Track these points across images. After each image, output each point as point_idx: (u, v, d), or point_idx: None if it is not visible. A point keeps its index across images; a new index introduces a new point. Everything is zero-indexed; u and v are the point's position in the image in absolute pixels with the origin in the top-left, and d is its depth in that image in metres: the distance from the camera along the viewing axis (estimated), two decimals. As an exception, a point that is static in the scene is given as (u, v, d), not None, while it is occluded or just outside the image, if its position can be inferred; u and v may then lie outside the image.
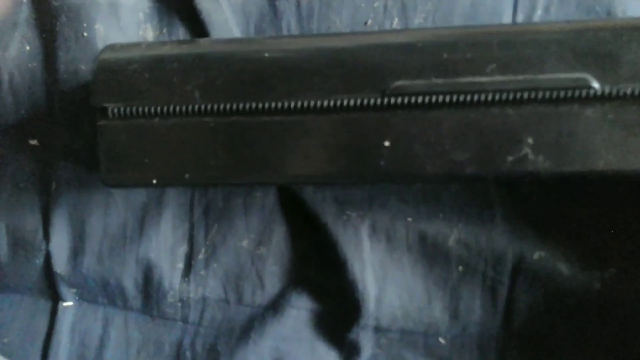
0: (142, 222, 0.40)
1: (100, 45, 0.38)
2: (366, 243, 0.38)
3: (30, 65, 0.39)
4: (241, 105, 0.30)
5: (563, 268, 0.36)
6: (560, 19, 0.35)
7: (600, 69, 0.27)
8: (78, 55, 0.38)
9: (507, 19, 0.36)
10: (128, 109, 0.31)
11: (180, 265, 0.40)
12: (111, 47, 0.32)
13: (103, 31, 0.38)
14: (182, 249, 0.41)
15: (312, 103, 0.29)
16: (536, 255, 0.36)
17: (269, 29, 0.38)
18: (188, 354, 0.41)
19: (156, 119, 0.31)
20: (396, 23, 0.37)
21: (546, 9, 0.35)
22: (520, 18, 0.36)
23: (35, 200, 0.41)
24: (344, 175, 0.30)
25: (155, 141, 0.31)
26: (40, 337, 0.42)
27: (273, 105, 0.29)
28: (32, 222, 0.41)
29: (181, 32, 0.39)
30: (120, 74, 0.31)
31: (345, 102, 0.29)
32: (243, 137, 0.30)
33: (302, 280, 0.40)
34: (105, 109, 0.31)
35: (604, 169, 0.27)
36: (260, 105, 0.30)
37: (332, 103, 0.29)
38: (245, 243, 0.40)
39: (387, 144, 0.29)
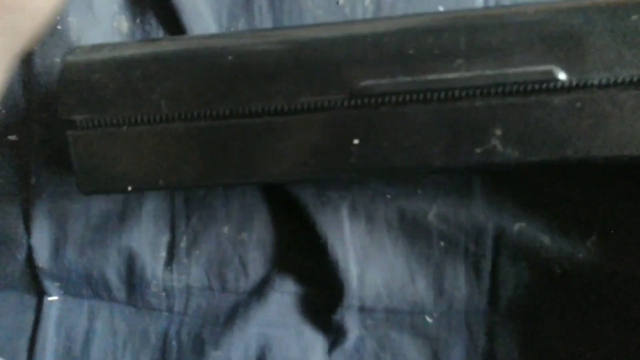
0: (124, 212, 0.40)
1: (74, 37, 0.38)
2: (346, 223, 0.38)
3: (6, 60, 0.40)
4: (208, 111, 0.30)
5: (545, 239, 0.36)
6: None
7: (567, 59, 0.27)
8: (53, 49, 0.39)
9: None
10: (96, 120, 0.31)
11: (163, 254, 0.40)
12: (72, 55, 0.32)
13: (76, 23, 0.38)
14: (164, 238, 0.40)
15: (278, 105, 0.29)
16: (517, 227, 0.36)
17: (241, 12, 0.38)
18: (174, 343, 0.41)
19: (125, 127, 0.31)
20: (368, 2, 0.37)
21: None
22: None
23: (15, 195, 0.41)
24: (314, 173, 0.30)
25: (126, 149, 0.31)
26: (27, 333, 0.42)
27: (240, 109, 0.30)
28: (12, 217, 0.41)
29: (154, 22, 0.39)
30: (84, 84, 0.31)
31: (312, 104, 0.29)
32: (213, 142, 0.30)
33: (285, 264, 0.40)
34: (73, 120, 0.31)
35: (572, 156, 0.28)
36: (227, 110, 0.30)
37: (298, 105, 0.29)
38: (226, 229, 0.40)
39: (356, 141, 0.29)
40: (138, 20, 0.39)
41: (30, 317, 0.42)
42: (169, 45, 0.32)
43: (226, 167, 0.31)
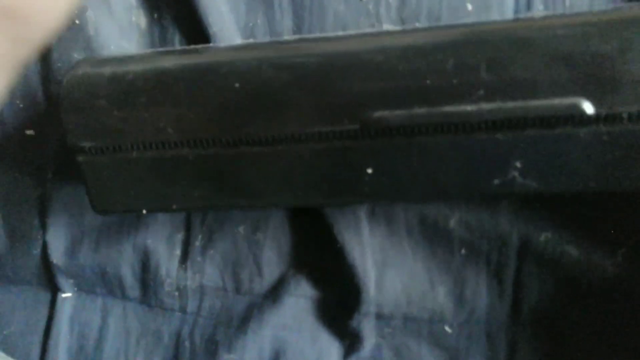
0: None
1: (92, 32, 0.38)
2: (365, 226, 0.36)
3: (24, 54, 0.39)
4: (217, 139, 0.29)
5: (572, 250, 0.34)
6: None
7: (596, 89, 0.25)
8: (71, 43, 0.38)
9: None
10: (104, 147, 0.30)
11: (178, 252, 0.40)
12: (73, 76, 0.30)
13: (94, 18, 0.38)
14: (180, 236, 0.40)
15: (288, 133, 0.28)
16: (543, 237, 0.35)
17: (260, 6, 0.36)
18: (187, 344, 0.40)
19: (134, 154, 0.30)
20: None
21: None
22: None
23: (31, 190, 0.40)
24: (326, 200, 0.30)
25: (137, 174, 0.30)
26: (40, 329, 0.42)
27: (249, 137, 0.29)
28: (28, 212, 0.41)
29: (171, 16, 0.38)
30: (88, 112, 0.30)
31: (323, 133, 0.28)
32: (223, 168, 0.29)
33: (300, 266, 0.39)
34: (81, 146, 0.30)
35: (596, 188, 0.26)
36: (236, 138, 0.29)
37: (309, 133, 0.28)
38: (241, 229, 0.39)
39: (369, 171, 0.28)
40: (155, 15, 0.39)
41: (43, 313, 0.42)
42: (173, 67, 0.30)
43: (238, 193, 0.30)
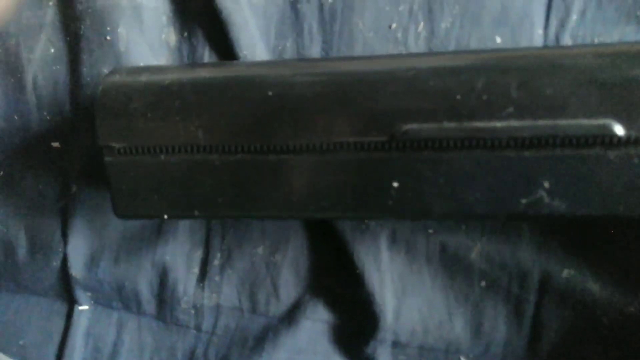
0: (161, 225, 0.40)
1: (122, 49, 0.38)
2: (385, 253, 0.36)
3: (54, 67, 0.40)
4: (246, 145, 0.29)
5: (594, 288, 0.34)
6: (597, 24, 0.33)
7: (627, 112, 0.25)
8: (101, 59, 0.39)
9: (538, 22, 0.34)
10: (133, 148, 0.30)
11: (196, 270, 0.40)
12: (110, 78, 0.31)
13: (126, 35, 0.38)
14: (198, 254, 0.40)
15: (317, 143, 0.28)
16: (565, 273, 0.34)
17: (290, 31, 0.37)
18: (201, 362, 0.40)
19: (162, 157, 0.30)
20: (422, 27, 0.36)
21: (582, 14, 0.33)
22: (553, 23, 0.34)
23: (54, 202, 0.41)
24: (350, 213, 0.29)
25: (162, 177, 0.31)
26: (56, 340, 0.42)
27: (278, 145, 0.29)
28: (50, 224, 0.41)
29: (201, 35, 0.38)
30: (122, 112, 0.30)
31: (351, 144, 0.28)
32: (250, 176, 0.30)
33: (318, 290, 0.39)
34: (111, 147, 0.31)
35: (624, 213, 0.26)
36: (265, 146, 0.29)
37: (339, 144, 0.28)
38: (260, 249, 0.39)
39: (395, 184, 0.28)
40: (185, 34, 0.39)
41: (59, 325, 0.42)
42: (208, 75, 0.31)
43: (262, 201, 0.30)
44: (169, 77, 0.30)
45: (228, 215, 0.31)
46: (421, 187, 0.28)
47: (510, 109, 0.26)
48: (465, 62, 0.27)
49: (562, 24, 0.34)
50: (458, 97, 0.26)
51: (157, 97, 0.30)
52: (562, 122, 0.25)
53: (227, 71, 0.31)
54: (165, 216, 0.31)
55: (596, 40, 0.34)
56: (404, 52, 0.36)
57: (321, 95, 0.28)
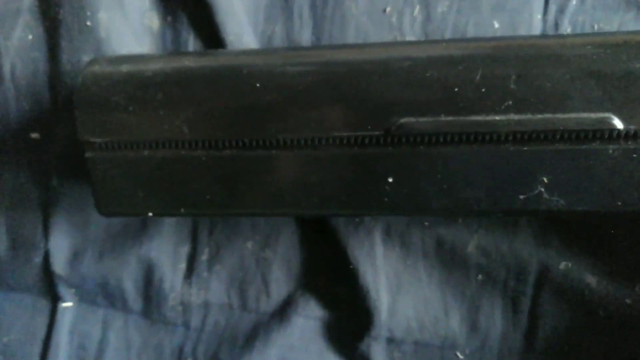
0: (145, 219, 0.38)
1: (103, 34, 0.37)
2: (379, 248, 0.35)
3: (32, 55, 0.38)
4: (234, 140, 0.28)
5: (591, 280, 0.33)
6: (597, 10, 0.32)
7: (627, 106, 0.24)
8: (81, 45, 0.37)
9: (537, 7, 0.33)
10: (115, 143, 0.29)
11: (183, 265, 0.39)
12: (90, 69, 0.29)
13: (107, 20, 0.37)
14: (185, 249, 0.39)
15: (309, 138, 0.27)
16: (562, 266, 0.33)
17: (279, 15, 0.35)
18: (189, 360, 0.39)
19: (146, 152, 0.29)
20: (417, 11, 0.34)
21: (582, 0, 0.32)
22: (552, 8, 0.33)
23: (35, 196, 0.39)
24: (344, 210, 0.28)
25: (147, 174, 0.29)
26: (40, 338, 0.41)
27: (268, 140, 0.27)
28: (31, 219, 0.39)
29: (186, 19, 0.37)
30: (103, 105, 0.29)
31: (344, 138, 0.27)
32: (238, 172, 0.28)
33: (309, 286, 0.37)
34: (92, 142, 0.29)
35: (622, 209, 0.25)
36: (254, 141, 0.27)
37: (330, 139, 0.27)
38: (250, 244, 0.38)
39: (390, 180, 0.27)
40: (169, 18, 0.37)
41: (43, 322, 0.41)
42: (193, 65, 0.29)
43: (251, 198, 0.28)
44: (151, 68, 0.29)
45: (216, 213, 0.31)
46: (417, 183, 0.27)
47: (509, 102, 0.25)
48: (463, 52, 0.26)
49: (562, 10, 0.33)
50: (456, 89, 0.25)
51: (139, 90, 0.28)
52: (561, 116, 0.25)
53: (212, 61, 0.29)
54: (150, 214, 0.30)
55: (596, 27, 0.33)
56: (398, 37, 0.35)
57: (312, 87, 0.27)
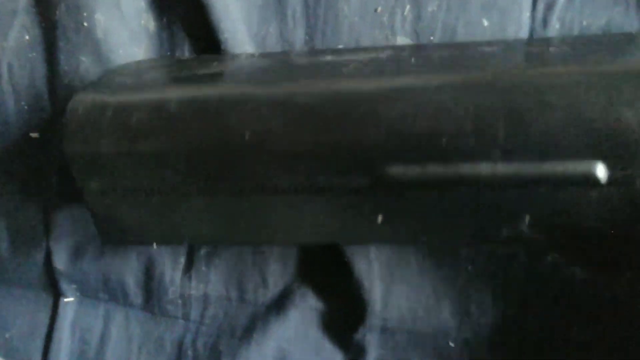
0: None
1: (100, 35, 0.37)
2: (373, 241, 0.36)
3: (30, 55, 0.39)
4: (226, 187, 0.29)
5: (578, 272, 0.34)
6: (585, 6, 0.33)
7: (612, 152, 0.25)
8: (79, 46, 0.37)
9: (526, 4, 0.34)
10: (110, 189, 0.30)
11: (182, 260, 0.39)
12: (75, 113, 0.30)
13: (103, 21, 0.37)
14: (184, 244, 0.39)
15: (298, 185, 0.28)
16: (550, 257, 0.35)
17: (273, 16, 0.36)
18: (189, 352, 0.40)
19: (142, 196, 0.30)
20: (408, 10, 0.35)
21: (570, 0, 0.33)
22: (541, 6, 0.34)
23: (35, 194, 0.40)
24: (335, 240, 0.31)
25: (145, 213, 0.30)
26: (42, 333, 0.42)
27: (258, 186, 0.28)
28: (32, 216, 0.40)
29: (181, 20, 0.37)
30: (94, 156, 0.29)
31: (333, 184, 0.28)
32: (231, 213, 0.29)
33: (306, 278, 0.38)
34: (89, 187, 0.30)
35: (602, 244, 0.28)
36: (245, 187, 0.29)
37: (319, 184, 0.28)
38: None
39: (380, 218, 0.28)
40: (165, 19, 0.38)
41: (45, 317, 0.42)
42: (179, 112, 0.29)
43: (246, 233, 0.30)
44: (135, 116, 0.29)
45: (217, 242, 0.33)
46: (406, 222, 0.28)
47: (497, 152, 0.26)
48: (451, 103, 0.26)
49: (550, 7, 0.34)
50: (444, 141, 0.26)
51: (126, 140, 0.29)
52: (547, 165, 0.25)
53: (200, 104, 0.29)
54: (154, 245, 0.32)
55: (584, 23, 0.34)
56: (389, 36, 0.36)
57: (299, 136, 0.27)
